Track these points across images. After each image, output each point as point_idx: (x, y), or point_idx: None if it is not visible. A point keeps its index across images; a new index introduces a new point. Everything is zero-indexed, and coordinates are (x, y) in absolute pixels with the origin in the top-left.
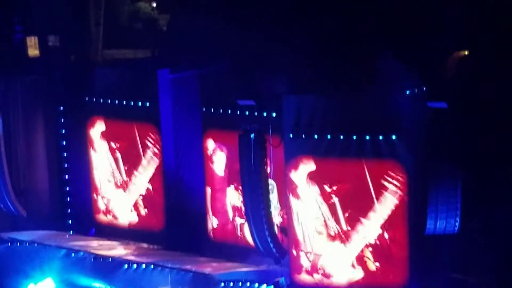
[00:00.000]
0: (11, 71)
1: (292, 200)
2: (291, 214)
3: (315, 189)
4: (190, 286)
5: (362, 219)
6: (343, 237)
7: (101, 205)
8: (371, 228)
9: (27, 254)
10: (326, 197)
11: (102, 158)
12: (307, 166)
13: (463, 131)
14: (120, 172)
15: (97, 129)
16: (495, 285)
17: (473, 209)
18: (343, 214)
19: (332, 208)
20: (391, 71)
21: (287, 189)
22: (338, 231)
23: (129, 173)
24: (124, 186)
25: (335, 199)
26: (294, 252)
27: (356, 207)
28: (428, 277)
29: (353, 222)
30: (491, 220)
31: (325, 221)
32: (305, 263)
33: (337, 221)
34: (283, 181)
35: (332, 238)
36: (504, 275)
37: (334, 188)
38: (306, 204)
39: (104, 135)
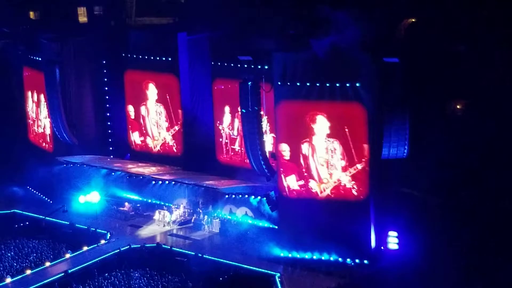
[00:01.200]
0: (65, 34)
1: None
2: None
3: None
4: (202, 198)
5: (336, 148)
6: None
7: (134, 134)
8: (340, 155)
9: (78, 173)
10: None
11: (136, 99)
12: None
13: (411, 79)
14: (149, 110)
15: (131, 77)
16: (431, 195)
17: (418, 139)
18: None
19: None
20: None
21: (275, 123)
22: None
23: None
24: (152, 118)
25: (313, 135)
26: (283, 172)
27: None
28: (383, 191)
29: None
30: (432, 147)
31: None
32: (291, 180)
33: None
34: (273, 117)
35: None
36: (441, 189)
37: (312, 125)
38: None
39: (136, 82)
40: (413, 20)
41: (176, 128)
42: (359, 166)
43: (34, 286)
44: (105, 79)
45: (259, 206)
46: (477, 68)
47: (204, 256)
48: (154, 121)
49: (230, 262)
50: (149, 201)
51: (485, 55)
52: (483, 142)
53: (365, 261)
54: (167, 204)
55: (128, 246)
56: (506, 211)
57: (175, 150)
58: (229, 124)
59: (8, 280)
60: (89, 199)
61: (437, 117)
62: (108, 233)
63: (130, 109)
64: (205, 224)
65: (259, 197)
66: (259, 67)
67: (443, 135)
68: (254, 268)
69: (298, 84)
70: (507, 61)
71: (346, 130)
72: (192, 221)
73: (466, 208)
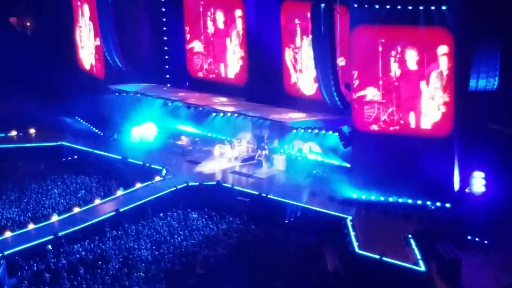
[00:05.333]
0: None
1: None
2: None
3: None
4: (268, 132)
5: (418, 78)
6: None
7: (195, 61)
8: (439, 86)
9: (132, 103)
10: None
11: (196, 22)
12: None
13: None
14: (210, 33)
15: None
16: None
17: (510, 70)
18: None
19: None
20: None
21: (350, 50)
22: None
23: (218, 34)
24: (212, 44)
25: (393, 63)
26: (358, 104)
27: (413, 69)
28: (469, 128)
29: (409, 82)
30: None
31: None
32: (368, 113)
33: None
34: (348, 44)
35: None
36: None
37: (392, 52)
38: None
39: (197, 3)
40: None
41: (240, 54)
42: (443, 100)
43: (82, 225)
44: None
45: (330, 142)
46: None
47: (269, 196)
48: (214, 46)
49: (297, 203)
50: (209, 135)
51: None
52: None
53: (447, 205)
54: (228, 139)
55: (185, 184)
56: None
57: (238, 79)
58: (296, 52)
59: (55, 218)
60: (143, 132)
61: None
62: (164, 169)
63: (190, 33)
64: (270, 161)
65: (330, 132)
66: None
67: None
68: (323, 210)
69: (377, 6)
70: None
71: (430, 58)
72: (256, 157)
73: None
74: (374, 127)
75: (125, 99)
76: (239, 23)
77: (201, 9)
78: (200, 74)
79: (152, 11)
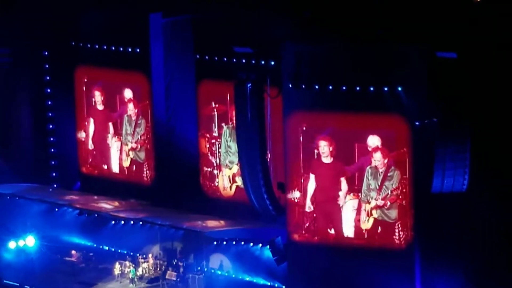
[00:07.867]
0: None
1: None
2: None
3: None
4: (181, 244)
5: (367, 177)
6: (345, 195)
7: (88, 157)
8: (373, 186)
9: (8, 209)
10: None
11: (90, 109)
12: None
13: (474, 82)
14: (109, 125)
15: (83, 76)
16: (503, 244)
17: (484, 166)
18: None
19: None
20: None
21: (284, 142)
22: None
23: (119, 125)
24: (113, 138)
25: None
26: (295, 210)
27: (360, 162)
28: (434, 239)
29: (356, 180)
30: (503, 177)
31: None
32: (306, 222)
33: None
34: (282, 133)
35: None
36: None
37: (336, 145)
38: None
39: (91, 83)
40: None
41: (140, 147)
42: (398, 203)
43: None
44: (47, 78)
45: (260, 257)
46: None
47: None
48: (114, 137)
49: None
50: (107, 248)
51: None
52: None
53: None
54: (131, 253)
55: None
56: None
57: (142, 178)
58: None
59: None
60: (22, 245)
61: (510, 136)
62: None
63: (82, 119)
64: (184, 282)
65: (260, 244)
66: (263, 63)
67: None
68: None
69: (316, 87)
70: None
71: (382, 152)
72: (167, 277)
73: None
74: (316, 237)
75: None
76: (144, 108)
77: (84, 88)
78: (95, 171)
79: (34, 92)
